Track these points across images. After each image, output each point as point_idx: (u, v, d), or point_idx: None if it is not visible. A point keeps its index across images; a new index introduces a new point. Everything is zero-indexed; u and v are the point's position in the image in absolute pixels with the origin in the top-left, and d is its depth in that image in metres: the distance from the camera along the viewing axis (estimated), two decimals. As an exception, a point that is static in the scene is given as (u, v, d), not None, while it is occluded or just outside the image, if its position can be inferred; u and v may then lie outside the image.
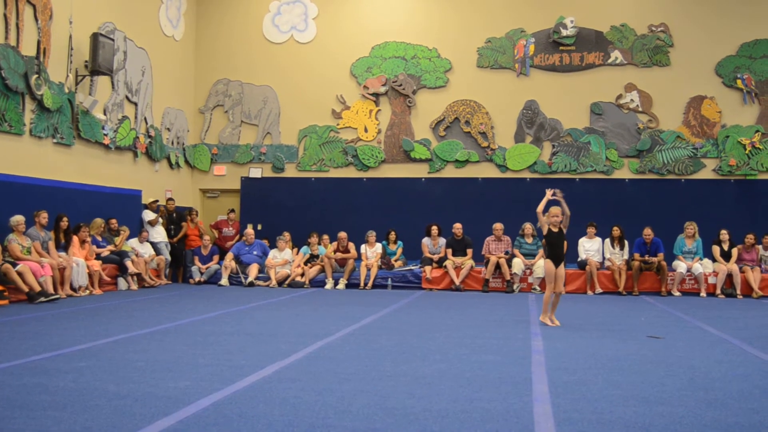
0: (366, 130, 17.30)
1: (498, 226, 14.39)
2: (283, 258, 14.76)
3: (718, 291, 13.41)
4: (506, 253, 14.18)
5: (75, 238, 12.30)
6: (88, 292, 12.00)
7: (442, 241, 14.71)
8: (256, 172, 17.64)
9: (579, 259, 14.23)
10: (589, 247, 14.30)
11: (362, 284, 14.13)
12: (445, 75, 17.08)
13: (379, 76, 17.27)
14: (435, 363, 5.94)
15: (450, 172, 16.96)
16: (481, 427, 3.99)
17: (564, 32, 16.47)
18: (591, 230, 14.40)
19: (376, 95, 17.29)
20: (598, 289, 13.67)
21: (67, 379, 5.12)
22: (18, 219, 11.18)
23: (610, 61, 16.46)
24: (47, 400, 4.48)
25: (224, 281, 14.50)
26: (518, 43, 16.79)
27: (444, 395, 4.74)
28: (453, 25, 17.07)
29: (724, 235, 13.92)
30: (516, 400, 4.64)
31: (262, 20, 17.89)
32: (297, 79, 17.63)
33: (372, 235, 14.75)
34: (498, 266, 13.97)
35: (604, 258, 14.25)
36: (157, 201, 15.29)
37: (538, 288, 13.80)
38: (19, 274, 10.53)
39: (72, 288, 11.69)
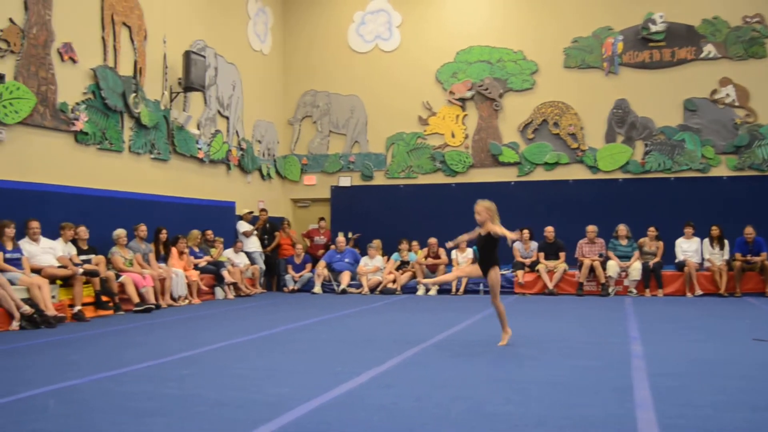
0: (453, 136, 17.26)
1: (591, 229, 14.13)
2: (375, 265, 14.87)
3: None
4: (600, 255, 13.90)
5: (174, 250, 12.71)
6: (187, 301, 12.37)
7: (534, 244, 14.53)
8: (345, 181, 17.83)
9: (677, 261, 13.82)
10: (687, 247, 13.87)
11: (454, 290, 14.10)
12: (531, 77, 16.88)
13: (464, 81, 17.22)
14: (531, 369, 5.88)
15: (539, 174, 16.73)
16: (582, 434, 3.92)
17: (653, 28, 16.04)
18: (689, 230, 13.97)
19: (463, 100, 17.23)
20: (698, 291, 13.23)
21: (171, 386, 5.29)
22: (120, 232, 11.65)
23: (702, 55, 15.92)
24: (153, 407, 4.63)
25: (317, 289, 14.71)
26: (606, 42, 16.45)
27: (542, 401, 4.68)
28: (538, 27, 16.86)
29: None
30: (617, 406, 4.53)
31: (347, 31, 18.09)
32: (383, 87, 17.75)
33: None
34: (592, 269, 13.71)
35: (703, 259, 13.79)
36: (251, 212, 15.64)
37: (634, 291, 13.47)
38: (122, 285, 10.95)
39: (172, 298, 12.07)
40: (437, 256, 14.66)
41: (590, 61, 16.52)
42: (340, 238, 15.73)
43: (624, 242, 13.99)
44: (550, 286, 13.77)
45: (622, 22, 16.35)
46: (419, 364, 6.15)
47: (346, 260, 15.14)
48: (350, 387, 5.15)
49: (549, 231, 14.40)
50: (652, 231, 14.02)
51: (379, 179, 17.73)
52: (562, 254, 14.18)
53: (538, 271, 14.02)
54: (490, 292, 7.24)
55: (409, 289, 14.44)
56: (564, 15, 16.69)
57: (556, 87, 16.68)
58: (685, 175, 15.87)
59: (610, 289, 13.57)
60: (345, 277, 14.64)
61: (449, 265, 14.60)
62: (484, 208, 7.23)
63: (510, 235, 7.04)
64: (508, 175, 16.91)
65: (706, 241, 13.85)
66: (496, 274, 7.17)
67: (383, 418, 4.28)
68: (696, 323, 9.10)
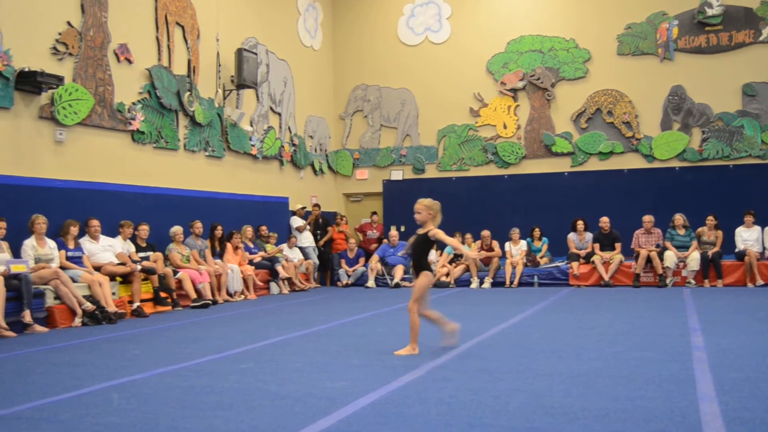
0: (505, 127, 17.13)
1: (648, 219, 13.89)
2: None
3: None
4: (657, 246, 13.66)
5: (228, 245, 12.88)
6: (243, 296, 12.53)
7: (589, 235, 14.35)
8: (397, 175, 17.84)
9: (737, 250, 13.49)
10: (748, 236, 13.53)
11: (508, 282, 14.01)
12: (584, 65, 16.64)
13: (516, 71, 17.06)
14: (590, 361, 5.80)
15: (594, 164, 16.51)
16: (644, 427, 3.85)
17: (709, 11, 15.66)
18: (749, 219, 13.62)
19: (514, 90, 17.08)
20: (759, 281, 12.90)
21: (231, 380, 5.36)
22: (176, 229, 11.84)
23: (762, 38, 15.48)
24: (214, 401, 4.70)
25: (371, 283, 14.76)
26: (660, 27, 16.12)
27: (602, 394, 4.62)
28: (590, 14, 16.61)
29: None
30: (680, 398, 4.45)
31: (397, 24, 18.08)
32: (433, 79, 17.69)
33: (516, 232, 14.60)
34: (649, 260, 13.48)
35: (764, 248, 13.45)
36: (304, 207, 15.76)
37: (693, 281, 13.21)
38: (180, 281, 11.14)
39: (228, 293, 12.24)
40: (491, 249, 14.59)
41: (644, 47, 16.22)
42: (393, 232, 15.74)
43: (681, 232, 13.72)
44: (606, 277, 13.58)
45: (677, 7, 16.00)
46: (476, 357, 6.12)
47: (399, 254, 15.15)
48: (407, 381, 5.16)
49: (604, 222, 14.20)
50: (710, 220, 13.71)
51: (431, 172, 17.69)
52: (617, 245, 13.97)
53: (593, 262, 13.84)
54: (413, 295, 6.40)
55: (463, 282, 14.39)
56: (617, 1, 16.41)
57: (609, 75, 16.42)
58: (744, 162, 15.49)
59: (667, 280, 13.33)
60: (398, 271, 14.65)
61: (503, 257, 14.50)
62: (423, 206, 6.47)
63: (464, 251, 6.48)
64: (562, 165, 16.73)
65: (767, 229, 13.50)
66: (424, 279, 6.37)
67: (442, 411, 4.27)
68: (758, 314, 8.88)
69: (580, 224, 14.36)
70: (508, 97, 17.11)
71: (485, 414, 4.18)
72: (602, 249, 14.05)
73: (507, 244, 14.57)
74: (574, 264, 13.92)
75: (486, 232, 14.71)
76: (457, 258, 14.80)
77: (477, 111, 17.35)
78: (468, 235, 15.19)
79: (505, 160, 17.04)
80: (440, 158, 17.60)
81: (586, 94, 16.58)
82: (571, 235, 14.41)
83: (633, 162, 16.24)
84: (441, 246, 15.38)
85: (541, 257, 14.51)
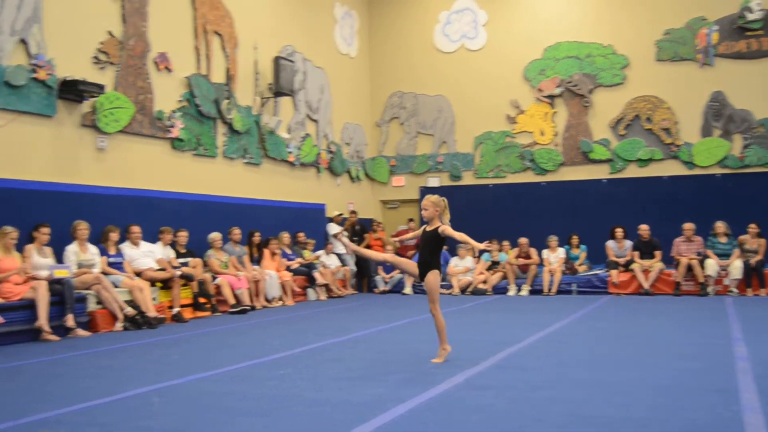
0: (542, 134, 17.04)
1: (688, 226, 13.69)
2: (465, 266, 14.80)
3: None
4: (698, 254, 13.46)
5: (266, 252, 12.96)
6: (281, 302, 12.59)
7: (628, 243, 14.18)
8: (434, 182, 17.82)
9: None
10: (792, 244, 13.27)
11: (546, 290, 13.90)
12: (622, 72, 16.49)
13: (553, 77, 16.97)
14: (630, 370, 5.73)
15: (632, 171, 16.33)
16: (686, 438, 3.80)
17: (750, 16, 15.41)
18: (792, 227, 13.37)
19: (551, 97, 16.98)
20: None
21: (268, 386, 5.39)
22: (215, 236, 11.95)
23: (806, 43, 15.23)
24: (251, 407, 4.72)
25: (407, 290, 14.74)
26: (700, 32, 15.92)
27: (643, 404, 4.56)
28: (628, 20, 16.45)
29: None
30: (723, 409, 4.37)
31: (432, 31, 18.09)
32: (470, 86, 17.66)
33: (553, 239, 14.49)
34: (690, 268, 13.28)
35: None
36: (341, 214, 15.81)
37: (735, 290, 12.97)
38: (218, 287, 11.24)
39: (266, 299, 12.31)
40: (528, 256, 14.49)
41: (683, 53, 16.02)
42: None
43: (723, 240, 13.50)
44: (646, 285, 13.41)
45: (717, 12, 15.79)
46: (514, 365, 6.08)
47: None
48: (445, 388, 5.14)
49: (644, 229, 14.03)
50: (753, 228, 13.46)
51: (468, 179, 17.65)
52: (657, 253, 13.78)
53: (632, 270, 13.67)
54: (427, 297, 6.33)
55: (500, 289, 14.31)
56: (655, 7, 16.24)
57: (648, 81, 16.25)
58: (788, 169, 15.21)
59: (709, 289, 13.11)
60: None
61: (540, 264, 14.39)
62: (431, 202, 6.33)
63: (473, 243, 6.16)
64: (600, 172, 16.57)
65: (812, 237, 13.24)
66: (435, 278, 6.28)
67: (481, 419, 4.25)
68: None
69: (619, 232, 14.20)
70: (545, 103, 17.02)
71: (525, 423, 4.15)
72: (642, 257, 13.87)
73: (544, 252, 14.46)
74: (613, 272, 13.76)
75: (523, 240, 14.62)
76: (494, 265, 14.73)
77: (514, 118, 17.28)
78: (505, 243, 15.11)
79: (543, 167, 16.93)
80: (477, 165, 17.55)
81: (624, 101, 16.43)
82: (610, 243, 14.25)
83: (673, 169, 16.03)
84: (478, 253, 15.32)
85: (580, 265, 14.39)
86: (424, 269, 6.34)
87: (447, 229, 6.25)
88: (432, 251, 6.34)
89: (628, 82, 16.44)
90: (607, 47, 16.61)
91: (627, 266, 13.86)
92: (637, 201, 15.89)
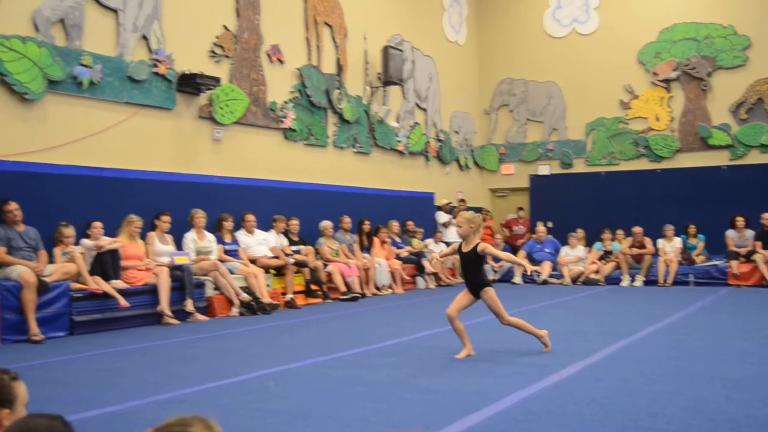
0: (657, 119, 16.47)
1: (816, 215, 12.98)
2: (576, 255, 14.52)
3: None
4: (828, 243, 12.75)
5: (376, 240, 13.09)
6: (390, 290, 12.70)
7: (750, 233, 13.55)
8: (544, 169, 17.53)
9: None
10: None
11: (661, 281, 13.47)
12: (743, 53, 15.72)
13: (669, 60, 16.35)
14: (755, 365, 5.49)
15: (754, 157, 15.57)
16: (817, 436, 3.62)
17: None
18: None
19: (667, 81, 16.38)
20: None
21: (380, 372, 5.45)
22: (326, 224, 12.16)
23: None
24: (364, 392, 4.79)
25: (517, 279, 14.58)
26: (831, 9, 15.01)
27: (768, 400, 4.37)
28: (751, -2, 15.69)
29: None
30: None
31: (543, 16, 17.75)
32: (581, 72, 17.23)
33: (670, 229, 14.00)
34: (818, 258, 12.60)
35: None
36: (449, 203, 15.79)
37: None
38: (329, 274, 11.44)
39: (376, 287, 12.44)
40: (642, 246, 14.07)
41: (813, 31, 15.14)
42: (540, 227, 15.47)
43: None
44: (769, 276, 12.81)
45: None
46: (630, 357, 5.93)
47: (547, 250, 14.89)
48: (558, 379, 5.07)
49: (766, 218, 13.38)
50: None
51: (579, 167, 17.27)
52: (782, 243, 13.14)
53: (754, 261, 13.06)
54: (495, 314, 6.20)
55: (613, 280, 13.97)
56: (782, -16, 15.41)
57: (773, 62, 15.44)
58: None
59: (839, 280, 12.41)
60: (546, 267, 14.40)
61: (655, 255, 13.95)
62: (465, 220, 6.15)
63: (524, 263, 6.26)
64: (719, 159, 15.88)
65: None
66: (491, 295, 6.09)
67: (594, 411, 4.17)
68: None
69: (740, 221, 13.60)
70: (661, 88, 16.43)
71: (641, 416, 4.04)
72: (765, 247, 13.22)
73: (660, 241, 14.00)
74: (734, 263, 13.18)
75: (637, 229, 14.19)
76: (607, 255, 14.38)
77: (627, 103, 16.78)
78: (619, 231, 14.72)
79: (658, 154, 16.38)
80: (589, 152, 17.15)
81: (746, 83, 15.66)
82: (730, 232, 13.66)
83: (800, 154, 15.21)
84: (590, 242, 14.98)
85: (697, 255, 13.86)
86: (475, 289, 6.17)
87: (487, 247, 6.18)
88: (475, 270, 6.21)
89: (749, 64, 15.66)
90: (728, 27, 15.86)
91: (748, 257, 13.25)
92: (760, 188, 15.10)
